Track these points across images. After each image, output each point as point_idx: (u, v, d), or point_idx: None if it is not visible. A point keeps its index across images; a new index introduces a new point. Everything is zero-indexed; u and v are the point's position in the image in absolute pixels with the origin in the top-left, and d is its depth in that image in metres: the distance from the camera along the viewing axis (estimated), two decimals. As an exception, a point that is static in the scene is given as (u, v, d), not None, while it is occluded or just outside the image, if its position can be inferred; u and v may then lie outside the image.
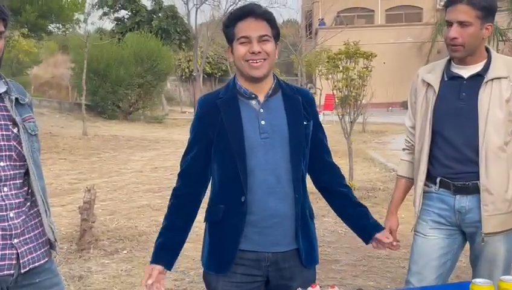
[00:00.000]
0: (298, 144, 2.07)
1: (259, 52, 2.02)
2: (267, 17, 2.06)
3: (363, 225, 2.23)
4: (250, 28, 2.03)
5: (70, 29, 22.15)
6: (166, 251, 2.10)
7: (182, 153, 2.19)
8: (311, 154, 2.17)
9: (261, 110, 2.07)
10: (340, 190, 2.25)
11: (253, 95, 2.09)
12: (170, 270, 2.11)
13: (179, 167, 2.18)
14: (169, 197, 2.19)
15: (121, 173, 10.17)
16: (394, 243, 2.21)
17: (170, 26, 35.66)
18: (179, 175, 2.17)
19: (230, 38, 2.08)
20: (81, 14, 19.68)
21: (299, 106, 2.11)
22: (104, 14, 36.10)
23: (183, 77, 38.16)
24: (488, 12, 2.27)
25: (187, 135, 2.24)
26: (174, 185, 2.19)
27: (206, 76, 35.80)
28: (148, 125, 20.63)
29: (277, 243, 2.07)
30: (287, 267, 2.10)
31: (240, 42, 2.04)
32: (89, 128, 16.13)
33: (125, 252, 5.21)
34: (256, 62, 2.03)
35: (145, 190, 8.34)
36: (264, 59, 2.04)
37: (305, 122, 2.11)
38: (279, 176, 2.04)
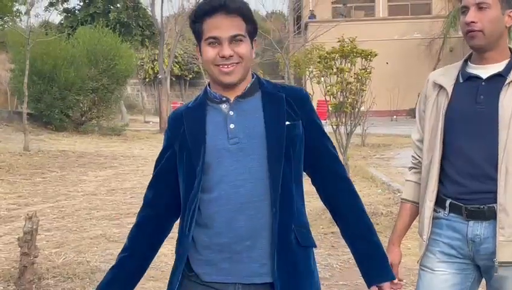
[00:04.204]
0: (278, 147, 2.04)
1: (231, 56, 2.02)
2: (241, 12, 2.05)
3: (370, 274, 2.20)
4: (220, 26, 2.02)
5: (10, 23, 22.02)
6: (115, 284, 2.16)
7: (145, 173, 2.22)
8: (310, 164, 2.16)
9: (231, 113, 2.09)
10: (350, 214, 2.19)
11: (224, 98, 2.11)
12: None
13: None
14: (129, 226, 2.22)
15: (70, 196, 10.09)
16: (395, 282, 2.20)
17: (131, 19, 35.67)
18: (143, 198, 2.23)
19: (198, 37, 2.09)
20: (22, 5, 19.61)
21: (280, 104, 2.11)
22: (51, 4, 36.02)
23: (147, 80, 38.20)
24: None
25: (150, 149, 2.28)
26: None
27: (174, 79, 35.92)
28: (103, 139, 20.49)
29: (251, 273, 2.03)
30: None
31: (208, 43, 2.04)
32: (31, 142, 15.97)
33: (74, 293, 5.16)
34: (228, 67, 2.03)
35: (99, 217, 8.28)
36: (237, 63, 2.04)
37: (288, 122, 2.09)
38: (253, 187, 2.03)
